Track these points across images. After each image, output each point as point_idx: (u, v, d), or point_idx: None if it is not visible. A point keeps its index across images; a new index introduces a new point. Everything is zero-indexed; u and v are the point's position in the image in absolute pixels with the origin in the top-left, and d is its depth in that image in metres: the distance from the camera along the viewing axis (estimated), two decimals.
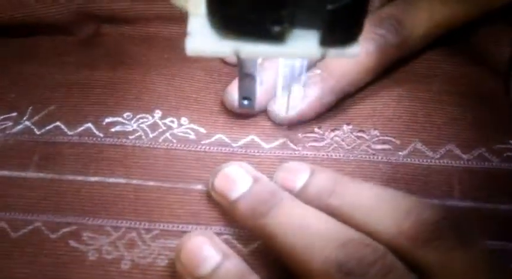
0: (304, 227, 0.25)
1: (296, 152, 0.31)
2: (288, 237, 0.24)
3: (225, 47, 0.22)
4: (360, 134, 0.32)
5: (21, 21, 0.37)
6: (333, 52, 0.22)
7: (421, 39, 0.34)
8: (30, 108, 0.33)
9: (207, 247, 0.25)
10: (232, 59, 0.34)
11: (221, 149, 0.31)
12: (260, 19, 0.21)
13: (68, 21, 0.37)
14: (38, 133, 0.32)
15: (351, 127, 0.32)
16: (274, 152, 0.31)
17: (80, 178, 0.30)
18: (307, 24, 0.22)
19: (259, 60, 0.29)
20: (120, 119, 0.32)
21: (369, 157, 0.31)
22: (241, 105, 0.31)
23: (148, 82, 0.34)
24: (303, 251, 0.24)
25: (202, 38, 0.22)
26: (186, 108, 0.33)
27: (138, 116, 0.32)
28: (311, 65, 0.32)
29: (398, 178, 0.30)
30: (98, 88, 0.33)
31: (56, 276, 0.26)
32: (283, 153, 0.31)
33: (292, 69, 0.28)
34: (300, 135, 0.32)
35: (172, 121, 0.32)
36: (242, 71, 0.28)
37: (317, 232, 0.24)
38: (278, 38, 0.21)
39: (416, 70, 0.35)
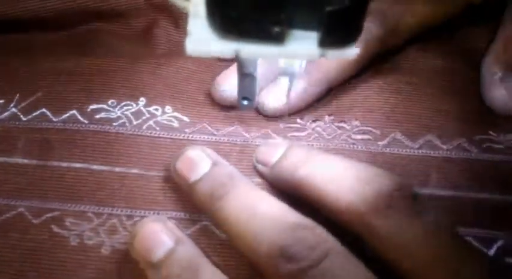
0: (253, 212, 0.25)
1: None
2: (239, 222, 0.25)
3: (224, 47, 0.22)
4: (341, 124, 0.32)
5: (15, 16, 0.37)
6: (331, 53, 0.22)
7: (404, 34, 0.35)
8: (18, 95, 0.33)
9: (160, 233, 0.26)
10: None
11: (204, 138, 0.32)
12: (260, 20, 0.21)
13: (58, 17, 0.38)
14: (24, 119, 0.32)
15: (332, 117, 0.33)
16: (256, 142, 0.32)
17: (64, 164, 0.30)
18: (306, 26, 0.22)
19: (259, 60, 0.29)
20: (104, 106, 0.33)
21: (349, 146, 0.31)
22: (240, 105, 0.31)
23: (135, 70, 0.34)
24: (251, 236, 0.25)
25: (202, 38, 0.22)
26: (171, 96, 0.33)
27: (122, 103, 0.33)
28: None
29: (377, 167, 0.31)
30: (85, 75, 0.34)
31: (38, 260, 0.27)
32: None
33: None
34: (281, 125, 0.32)
35: (156, 109, 0.33)
36: (242, 71, 0.28)
37: (266, 217, 0.25)
38: (277, 38, 0.22)
39: (398, 64, 0.36)
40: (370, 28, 0.33)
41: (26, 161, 0.30)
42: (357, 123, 0.32)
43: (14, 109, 0.33)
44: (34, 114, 0.32)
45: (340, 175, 0.26)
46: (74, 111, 0.32)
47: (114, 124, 0.32)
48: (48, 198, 0.29)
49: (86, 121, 0.32)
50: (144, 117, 0.32)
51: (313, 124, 0.32)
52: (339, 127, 0.32)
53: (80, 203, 0.29)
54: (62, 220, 0.28)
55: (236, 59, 0.24)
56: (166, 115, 0.33)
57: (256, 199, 0.26)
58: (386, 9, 0.34)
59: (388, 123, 0.32)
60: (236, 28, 0.21)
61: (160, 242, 0.25)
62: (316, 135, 0.32)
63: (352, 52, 0.22)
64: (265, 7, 0.20)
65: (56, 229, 0.28)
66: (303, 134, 0.32)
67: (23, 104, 0.33)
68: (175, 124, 0.32)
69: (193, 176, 0.28)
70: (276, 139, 0.32)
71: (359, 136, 0.32)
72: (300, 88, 0.32)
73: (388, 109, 0.33)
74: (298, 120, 0.33)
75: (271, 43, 0.22)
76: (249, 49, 0.22)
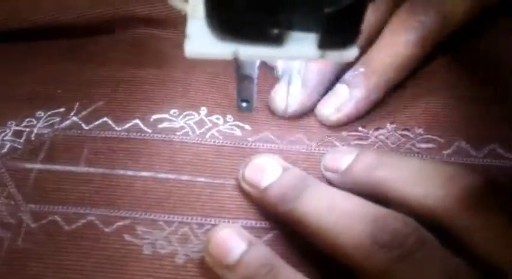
0: (333, 207, 0.25)
1: None
2: (319, 217, 0.25)
3: (223, 49, 0.22)
4: (404, 132, 0.32)
5: (65, 22, 0.37)
6: (330, 54, 0.22)
7: (461, 18, 0.34)
8: (77, 103, 0.33)
9: (234, 237, 0.26)
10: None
11: (268, 146, 0.32)
12: (258, 22, 0.21)
13: (106, 22, 0.38)
14: (86, 128, 0.32)
15: (394, 125, 0.33)
16: (320, 150, 0.31)
17: (130, 172, 0.30)
18: (305, 27, 0.22)
19: (258, 62, 0.29)
20: (166, 116, 0.32)
21: (414, 156, 0.31)
22: (239, 107, 0.31)
23: (193, 80, 0.34)
24: (334, 229, 0.24)
25: (201, 40, 0.22)
26: (231, 105, 0.33)
27: (184, 113, 0.33)
28: (353, 63, 0.32)
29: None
30: (144, 85, 0.34)
31: (112, 269, 0.27)
32: (328, 151, 0.31)
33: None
34: (344, 133, 0.32)
35: (218, 118, 0.33)
36: (240, 73, 0.28)
37: (347, 210, 0.25)
38: (276, 40, 0.22)
39: (448, 67, 0.36)
40: (426, 22, 0.32)
41: (91, 170, 0.30)
42: (420, 130, 0.32)
43: (75, 118, 0.32)
44: (96, 123, 0.32)
45: (423, 174, 0.26)
46: (137, 121, 0.32)
47: (177, 133, 0.32)
48: (117, 206, 0.29)
49: (149, 131, 0.32)
50: (206, 126, 0.32)
51: (376, 132, 0.32)
52: (403, 135, 0.32)
53: (150, 212, 0.28)
54: (133, 229, 0.28)
55: (234, 61, 0.24)
56: (228, 124, 0.32)
57: (334, 195, 0.26)
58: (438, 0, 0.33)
59: (452, 130, 0.32)
60: (235, 30, 0.21)
61: (234, 245, 0.25)
62: (380, 143, 0.32)
63: (352, 53, 0.22)
64: (264, 9, 0.20)
65: (128, 238, 0.28)
66: (366, 142, 0.32)
67: (83, 113, 0.33)
68: (238, 132, 0.32)
69: (265, 182, 0.28)
70: (339, 146, 0.32)
71: (423, 145, 0.32)
72: (360, 96, 0.32)
73: (450, 116, 0.33)
74: (360, 128, 0.32)
75: (270, 45, 0.22)
76: (247, 51, 0.22)
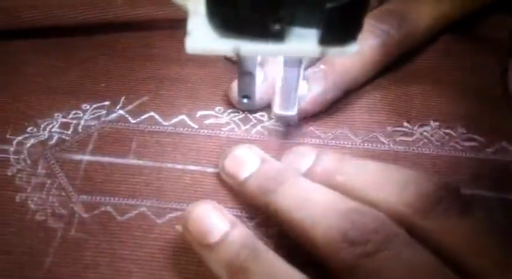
0: (308, 199, 0.25)
1: (386, 146, 0.32)
2: (293, 211, 0.25)
3: (224, 45, 0.22)
4: (447, 131, 0.32)
5: (107, 21, 0.37)
6: (331, 50, 0.22)
7: (424, 33, 0.35)
8: (123, 97, 0.33)
9: (214, 216, 0.25)
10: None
11: (312, 141, 0.32)
12: (259, 18, 0.21)
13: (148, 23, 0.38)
14: (133, 121, 0.32)
15: (438, 123, 0.33)
16: (365, 145, 0.32)
17: (179, 166, 0.30)
18: (306, 23, 0.22)
19: (259, 58, 0.29)
20: (212, 112, 0.33)
21: (459, 153, 0.31)
22: (241, 103, 0.31)
23: (235, 79, 0.34)
24: (308, 223, 0.24)
25: (202, 37, 0.22)
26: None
27: (229, 110, 0.33)
28: (315, 60, 0.33)
29: (486, 175, 0.31)
30: (187, 83, 0.34)
31: (166, 259, 0.27)
32: (373, 146, 0.32)
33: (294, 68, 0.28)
34: (389, 128, 0.33)
35: (262, 115, 0.33)
36: (242, 69, 0.28)
37: (319, 204, 0.25)
38: (277, 36, 0.22)
39: (477, 71, 0.36)
40: (389, 32, 0.33)
41: (140, 162, 0.30)
42: (463, 130, 0.32)
43: (121, 111, 0.33)
44: (143, 117, 0.32)
45: (379, 178, 0.26)
46: (183, 116, 0.33)
47: (223, 129, 0.32)
48: (168, 198, 0.29)
49: (196, 126, 0.32)
50: (251, 123, 0.33)
51: (421, 129, 0.33)
52: (446, 134, 0.32)
53: None
54: None
55: (236, 57, 0.24)
56: (273, 120, 0.33)
57: (309, 189, 0.26)
58: (405, 10, 0.34)
59: (493, 131, 0.32)
60: (236, 26, 0.22)
61: (216, 225, 0.25)
62: (425, 141, 0.32)
63: (353, 49, 0.22)
64: (265, 5, 0.21)
65: (180, 229, 0.28)
66: (411, 139, 0.32)
67: (129, 107, 0.33)
68: (282, 128, 0.32)
69: (243, 174, 0.28)
70: (385, 142, 0.32)
71: (467, 143, 0.32)
72: (316, 93, 0.31)
73: (489, 116, 0.33)
74: (405, 124, 0.33)
75: (271, 41, 0.22)
76: (248, 47, 0.22)
